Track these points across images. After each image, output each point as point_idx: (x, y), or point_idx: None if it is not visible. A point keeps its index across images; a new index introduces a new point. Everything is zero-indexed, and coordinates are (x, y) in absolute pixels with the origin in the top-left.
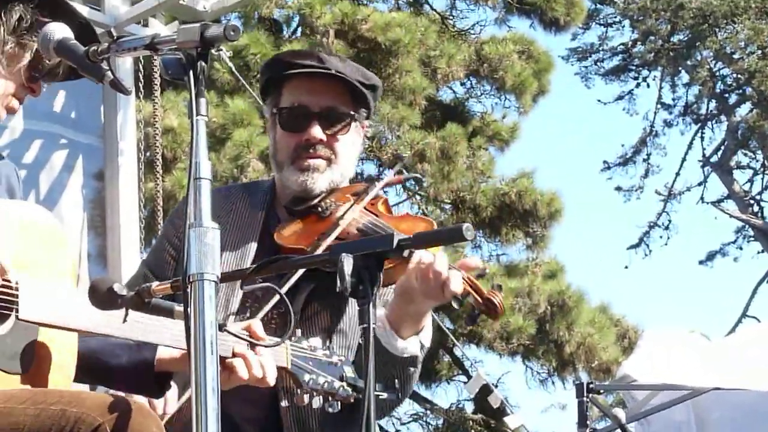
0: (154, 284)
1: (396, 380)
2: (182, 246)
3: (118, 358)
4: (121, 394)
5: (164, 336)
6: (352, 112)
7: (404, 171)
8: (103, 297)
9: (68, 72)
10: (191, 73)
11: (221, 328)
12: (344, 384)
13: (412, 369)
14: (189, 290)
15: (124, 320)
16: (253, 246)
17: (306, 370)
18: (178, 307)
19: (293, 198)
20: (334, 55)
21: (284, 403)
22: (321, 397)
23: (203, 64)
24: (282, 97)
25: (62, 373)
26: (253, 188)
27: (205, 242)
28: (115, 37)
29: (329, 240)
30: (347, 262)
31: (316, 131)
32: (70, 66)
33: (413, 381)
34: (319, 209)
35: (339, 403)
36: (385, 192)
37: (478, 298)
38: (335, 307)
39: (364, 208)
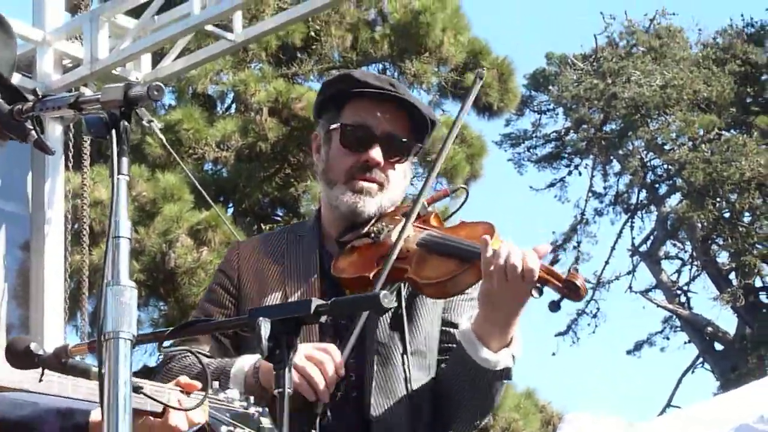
0: (71, 344)
1: (487, 396)
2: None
3: (51, 425)
4: None
5: (80, 390)
6: (410, 144)
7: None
8: (20, 356)
9: None
10: (114, 132)
11: (137, 390)
12: None
13: (505, 382)
14: (104, 348)
15: (40, 380)
16: (317, 285)
17: (223, 422)
18: (95, 368)
19: (342, 229)
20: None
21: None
22: None
23: (126, 123)
24: (343, 114)
25: None
26: (298, 230)
27: (121, 301)
28: (40, 96)
29: (391, 262)
30: (264, 327)
31: (377, 154)
32: None
33: (500, 394)
34: (372, 235)
35: None
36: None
37: (558, 284)
38: (408, 330)
39: (417, 225)
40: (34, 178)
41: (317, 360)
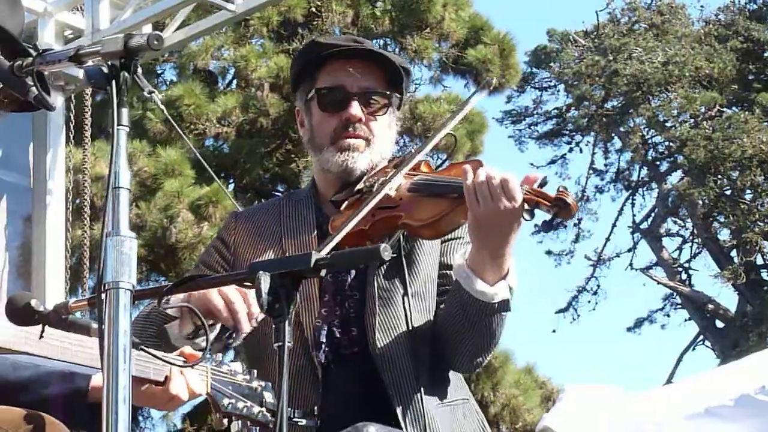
0: (71, 300)
1: (487, 331)
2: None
3: (51, 388)
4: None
5: (82, 356)
6: (389, 93)
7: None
8: (20, 312)
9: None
10: (114, 82)
11: (137, 346)
12: (264, 410)
13: (504, 314)
14: (104, 298)
15: (41, 336)
16: (315, 243)
17: (225, 395)
18: (95, 325)
19: (337, 187)
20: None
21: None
22: (240, 422)
23: (126, 74)
24: (318, 81)
25: None
26: (295, 195)
27: (122, 251)
28: (40, 51)
29: (374, 202)
30: (264, 280)
31: (356, 110)
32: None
33: (502, 328)
34: (365, 190)
35: (258, 428)
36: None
37: (547, 203)
38: (408, 273)
39: (408, 173)
40: (36, 149)
41: (242, 292)
